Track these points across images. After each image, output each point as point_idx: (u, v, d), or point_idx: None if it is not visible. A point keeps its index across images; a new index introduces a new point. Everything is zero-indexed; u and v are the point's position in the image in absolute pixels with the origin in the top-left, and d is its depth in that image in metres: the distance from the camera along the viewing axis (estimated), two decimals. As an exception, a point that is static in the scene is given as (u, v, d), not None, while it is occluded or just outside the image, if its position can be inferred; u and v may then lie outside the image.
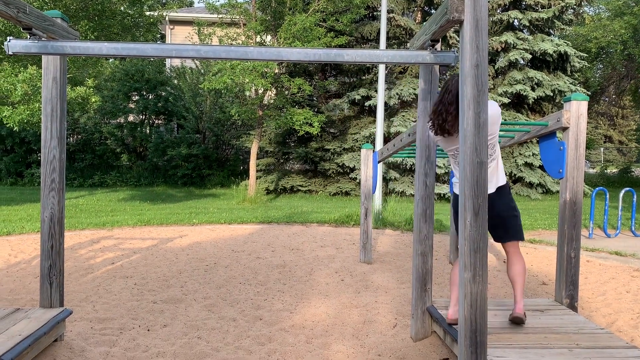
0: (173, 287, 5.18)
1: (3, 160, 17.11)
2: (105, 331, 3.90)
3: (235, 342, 3.73)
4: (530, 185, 15.57)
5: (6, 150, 17.42)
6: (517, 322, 3.46)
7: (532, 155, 15.18)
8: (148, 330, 3.96)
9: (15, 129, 9.89)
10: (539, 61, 16.34)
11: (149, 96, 17.41)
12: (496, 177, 3.42)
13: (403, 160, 14.89)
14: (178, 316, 4.30)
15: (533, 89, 15.60)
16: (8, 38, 2.91)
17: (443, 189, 14.23)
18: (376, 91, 14.96)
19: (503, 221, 3.45)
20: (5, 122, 9.75)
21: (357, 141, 15.26)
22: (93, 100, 10.71)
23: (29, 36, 3.02)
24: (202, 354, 3.48)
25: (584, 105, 3.88)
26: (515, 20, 16.19)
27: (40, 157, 17.41)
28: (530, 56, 15.44)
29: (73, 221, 9.22)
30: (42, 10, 8.67)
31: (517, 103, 16.19)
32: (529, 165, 15.44)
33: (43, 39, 3.10)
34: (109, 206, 12.04)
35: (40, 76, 9.40)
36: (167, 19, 19.00)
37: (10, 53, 2.91)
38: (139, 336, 3.81)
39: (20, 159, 17.30)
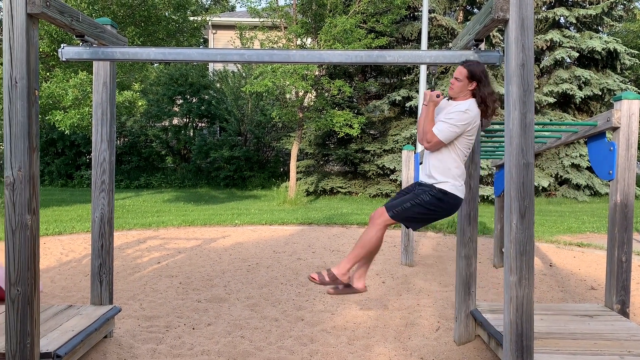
0: (217, 287, 5.28)
1: (54, 163, 17.78)
2: (151, 329, 4.01)
3: (277, 342, 3.77)
4: (578, 187, 15.10)
5: (57, 153, 18.09)
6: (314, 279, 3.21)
7: (579, 156, 14.72)
8: (193, 328, 4.04)
9: (66, 132, 10.27)
10: (586, 59, 15.83)
11: (192, 100, 17.78)
12: (451, 180, 3.14)
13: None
14: (222, 315, 4.37)
15: (580, 88, 15.13)
16: (62, 45, 3.04)
17: (486, 191, 13.97)
18: (417, 92, 14.82)
19: (406, 198, 3.19)
20: (57, 126, 10.13)
21: (398, 142, 15.14)
22: (139, 104, 11.02)
23: (80, 43, 3.14)
24: (246, 353, 3.53)
25: (635, 105, 3.75)
26: (562, 18, 15.74)
27: (89, 159, 18.03)
28: (577, 54, 14.98)
29: (120, 221, 9.51)
30: (92, 18, 8.99)
31: (563, 103, 15.73)
32: (575, 167, 14.99)
33: (94, 45, 3.22)
34: (155, 207, 12.35)
35: (90, 81, 9.75)
36: (209, 23, 19.35)
37: (64, 59, 3.04)
38: (184, 334, 3.90)
39: (70, 161, 17.94)
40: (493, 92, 3.14)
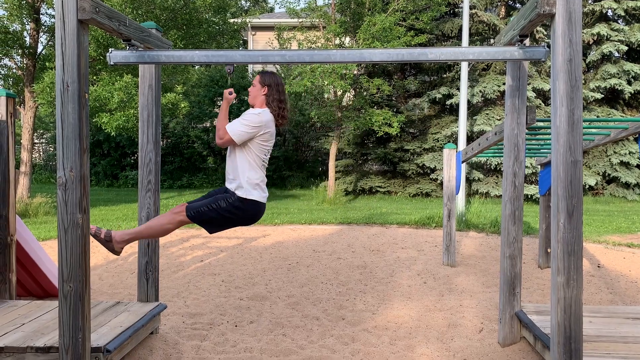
0: (258, 285, 5.34)
1: (100, 164, 18.34)
2: (196, 326, 4.09)
3: (319, 341, 3.78)
4: (627, 185, 14.57)
5: (103, 155, 18.66)
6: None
7: (629, 153, 14.20)
8: (235, 326, 4.10)
9: (112, 134, 10.57)
10: (636, 53, 15.26)
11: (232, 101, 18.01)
12: (245, 185, 3.23)
13: (487, 160, 14.42)
14: (264, 313, 4.42)
15: (629, 83, 14.59)
16: (110, 50, 3.13)
17: (531, 189, 13.65)
18: (458, 89, 14.60)
19: (209, 201, 3.26)
20: (104, 128, 10.45)
21: (438, 141, 14.96)
22: (182, 105, 11.24)
23: (127, 47, 3.23)
24: (288, 351, 3.56)
25: (691, 99, 3.59)
26: (609, 11, 15.21)
27: (133, 160, 18.52)
28: (626, 48, 14.46)
29: (164, 221, 9.71)
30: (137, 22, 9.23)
31: (611, 98, 15.21)
32: (625, 165, 14.46)
33: (140, 49, 3.30)
34: (196, 206, 12.55)
35: (134, 84, 10.01)
36: (249, 25, 19.56)
37: (112, 63, 3.13)
38: (227, 331, 3.96)
39: (115, 162, 18.47)
40: (282, 100, 3.39)
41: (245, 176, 3.24)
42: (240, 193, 3.23)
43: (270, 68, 19.22)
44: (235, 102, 17.70)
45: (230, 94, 3.38)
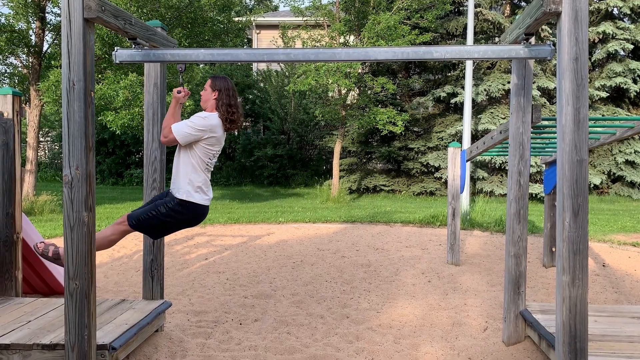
0: (262, 283, 5.35)
1: (105, 162, 18.39)
2: (200, 324, 4.10)
3: (323, 339, 3.79)
4: (632, 184, 14.51)
5: (108, 153, 18.71)
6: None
7: (634, 152, 14.13)
8: (240, 324, 4.11)
9: (117, 132, 10.59)
10: (642, 51, 15.18)
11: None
12: (185, 187, 3.26)
13: (492, 158, 14.39)
14: (268, 311, 4.43)
15: (635, 82, 14.51)
16: (115, 48, 3.14)
17: (535, 188, 13.61)
18: (462, 88, 14.57)
19: (149, 207, 3.30)
20: (109, 126, 10.47)
21: (443, 139, 14.93)
22: (187, 104, 11.24)
23: (133, 45, 3.24)
24: (292, 349, 3.57)
25: (697, 98, 3.57)
26: (615, 9, 15.14)
27: (138, 158, 18.56)
28: (631, 46, 14.38)
29: (168, 219, 9.73)
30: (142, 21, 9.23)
31: (616, 97, 15.14)
32: (630, 164, 14.40)
33: (145, 47, 3.31)
34: (201, 205, 12.57)
35: (139, 82, 10.03)
36: (253, 24, 19.56)
37: (117, 62, 3.14)
38: (232, 329, 3.97)
39: (120, 160, 18.52)
40: (231, 105, 3.38)
41: (187, 178, 3.27)
42: (179, 195, 3.26)
43: (274, 66, 19.23)
44: (239, 101, 17.69)
45: (179, 92, 3.39)
